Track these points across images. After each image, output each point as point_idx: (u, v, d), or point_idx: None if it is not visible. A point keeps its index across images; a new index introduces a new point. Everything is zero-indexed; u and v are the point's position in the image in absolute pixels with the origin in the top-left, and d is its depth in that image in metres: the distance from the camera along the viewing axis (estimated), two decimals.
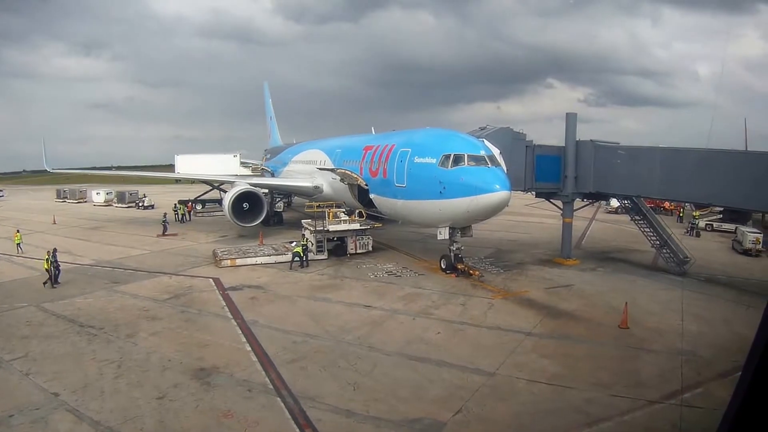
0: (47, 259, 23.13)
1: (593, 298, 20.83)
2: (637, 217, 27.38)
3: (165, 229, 39.05)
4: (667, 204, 46.22)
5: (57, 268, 23.64)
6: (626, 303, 18.03)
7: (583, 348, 15.65)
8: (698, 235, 37.14)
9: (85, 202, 71.49)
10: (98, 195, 68.14)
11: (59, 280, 23.65)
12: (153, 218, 50.34)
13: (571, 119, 27.44)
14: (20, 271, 26.96)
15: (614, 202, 43.72)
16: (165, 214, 42.91)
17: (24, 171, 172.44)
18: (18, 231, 33.30)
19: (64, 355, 15.43)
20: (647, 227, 26.85)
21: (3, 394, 12.91)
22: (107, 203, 66.32)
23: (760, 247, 29.84)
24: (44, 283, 23.06)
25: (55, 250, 24.22)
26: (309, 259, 27.26)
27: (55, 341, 16.53)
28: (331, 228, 28.71)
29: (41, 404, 12.32)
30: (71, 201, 72.83)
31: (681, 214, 41.91)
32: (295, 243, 27.66)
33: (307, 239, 28.43)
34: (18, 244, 31.78)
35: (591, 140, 26.99)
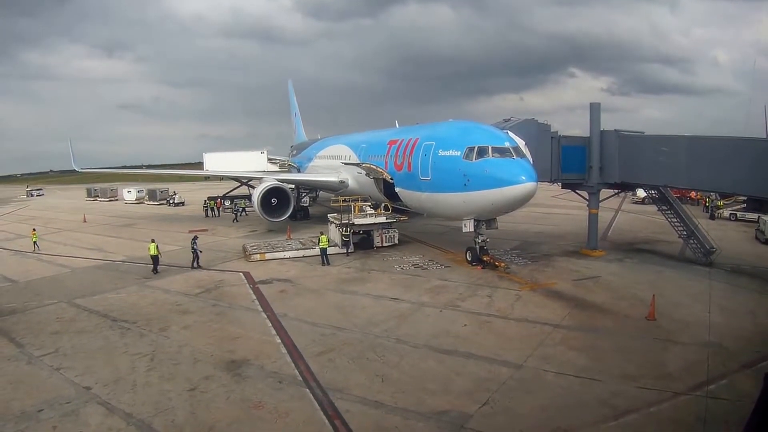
0: (155, 246, 25.65)
1: (620, 290, 20.64)
2: (663, 207, 27.02)
3: (235, 217, 44.37)
4: (693, 194, 45.70)
5: (196, 252, 26.47)
6: (654, 295, 17.86)
7: (611, 340, 15.54)
8: (713, 218, 38.63)
9: (117, 200, 73.02)
10: (129, 193, 69.62)
11: (200, 263, 26.53)
12: (184, 215, 51.60)
13: (595, 109, 27.10)
14: (49, 268, 27.69)
15: (641, 193, 43.21)
16: (236, 203, 46.81)
17: (51, 171, 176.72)
18: (34, 230, 34.82)
19: (96, 349, 15.78)
20: (674, 217, 26.47)
21: (32, 390, 13.10)
22: (139, 201, 67.76)
23: None
24: (153, 270, 25.59)
25: (195, 238, 27.20)
26: (351, 250, 28.53)
27: (87, 336, 16.93)
28: (357, 222, 28.96)
29: (72, 398, 12.54)
30: (102, 199, 74.60)
31: (707, 204, 41.65)
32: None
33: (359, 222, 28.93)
34: (35, 243, 32.91)
35: (615, 130, 26.69)
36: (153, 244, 25.74)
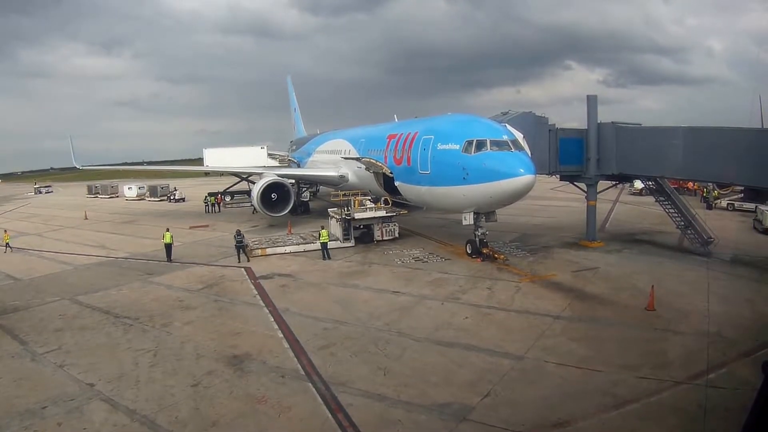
0: (170, 235, 27.08)
1: (619, 281, 20.75)
2: (661, 198, 27.11)
3: (254, 210, 43.53)
4: (690, 184, 45.84)
5: (240, 244, 26.71)
6: (653, 286, 17.90)
7: (611, 331, 15.65)
8: (710, 208, 38.97)
9: (117, 197, 72.97)
10: (130, 190, 69.31)
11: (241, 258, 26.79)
12: (184, 210, 51.69)
13: (592, 101, 27.22)
14: (51, 265, 27.75)
15: (638, 184, 43.30)
16: (249, 194, 46.02)
17: (51, 168, 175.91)
18: (6, 231, 34.48)
19: (99, 346, 15.81)
20: (672, 208, 26.55)
21: (36, 387, 13.11)
22: (139, 197, 67.63)
23: None
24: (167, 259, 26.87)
25: (238, 231, 27.09)
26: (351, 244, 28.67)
27: (89, 333, 16.95)
28: (358, 216, 29.00)
29: (76, 395, 12.53)
30: (103, 196, 74.52)
31: (705, 194, 41.89)
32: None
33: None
34: (7, 244, 32.83)
35: (612, 122, 26.88)
36: (168, 233, 26.70)
